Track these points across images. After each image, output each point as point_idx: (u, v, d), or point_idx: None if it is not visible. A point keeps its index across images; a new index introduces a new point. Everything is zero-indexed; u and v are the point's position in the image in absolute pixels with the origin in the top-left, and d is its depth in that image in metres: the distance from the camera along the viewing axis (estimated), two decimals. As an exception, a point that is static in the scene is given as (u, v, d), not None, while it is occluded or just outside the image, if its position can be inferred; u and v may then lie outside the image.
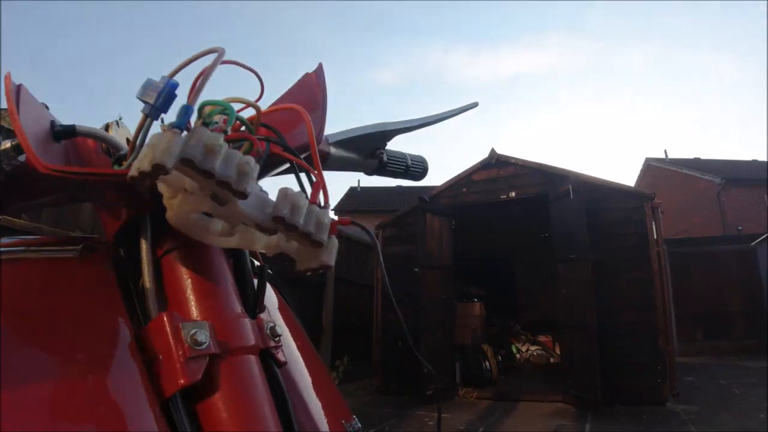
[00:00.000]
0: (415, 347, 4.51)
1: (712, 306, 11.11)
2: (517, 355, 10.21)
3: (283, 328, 0.75)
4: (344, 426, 0.69)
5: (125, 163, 0.58)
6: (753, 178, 18.15)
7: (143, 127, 0.57)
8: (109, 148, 0.67)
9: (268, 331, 0.59)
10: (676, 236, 15.11)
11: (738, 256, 11.41)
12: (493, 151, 7.35)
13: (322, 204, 0.55)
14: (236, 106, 0.58)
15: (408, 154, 1.07)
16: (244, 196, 0.46)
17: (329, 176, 0.72)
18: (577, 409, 5.84)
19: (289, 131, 0.67)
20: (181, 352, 0.49)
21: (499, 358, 8.56)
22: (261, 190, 0.51)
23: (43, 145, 0.55)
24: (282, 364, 0.61)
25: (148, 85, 0.53)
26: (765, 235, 11.40)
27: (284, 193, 0.50)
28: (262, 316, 0.62)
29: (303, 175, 0.61)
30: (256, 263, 0.79)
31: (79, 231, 4.82)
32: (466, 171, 7.61)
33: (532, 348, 10.40)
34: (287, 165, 0.70)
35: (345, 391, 7.62)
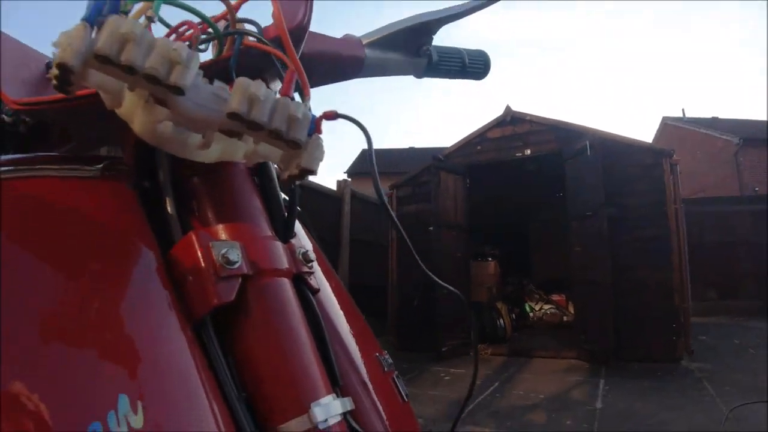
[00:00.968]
0: (430, 305, 4.56)
1: (726, 266, 11.04)
2: (531, 314, 10.25)
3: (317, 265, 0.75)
4: (378, 358, 0.70)
5: None
6: (771, 139, 17.76)
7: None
8: None
9: (300, 256, 0.58)
10: (692, 196, 14.93)
11: (754, 217, 11.25)
12: (508, 107, 7.22)
13: (299, 97, 0.50)
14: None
15: (464, 48, 0.91)
16: (179, 90, 0.40)
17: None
18: (591, 364, 5.89)
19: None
20: (212, 272, 0.47)
21: (513, 316, 8.62)
22: (211, 84, 0.44)
23: (22, 85, 0.53)
24: (315, 291, 0.60)
25: None
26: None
27: (240, 84, 0.43)
28: (294, 241, 0.60)
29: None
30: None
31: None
32: (480, 129, 7.50)
33: (546, 307, 10.43)
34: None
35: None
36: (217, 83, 0.45)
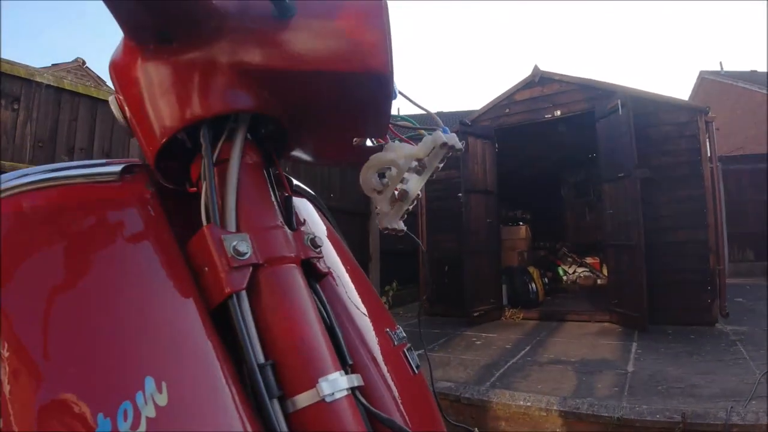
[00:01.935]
0: (461, 271, 4.61)
1: (765, 226, 10.73)
2: (564, 278, 10.22)
3: (326, 244, 0.78)
4: (388, 333, 0.72)
5: None
6: (813, 91, 17.01)
7: None
8: None
9: (308, 242, 0.61)
10: (731, 153, 14.48)
11: (795, 174, 10.87)
12: (536, 68, 7.05)
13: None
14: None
15: None
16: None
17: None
18: (624, 328, 5.86)
19: None
20: (225, 262, 0.51)
21: (546, 280, 8.60)
22: None
23: None
24: (323, 274, 0.63)
25: None
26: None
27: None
28: (303, 228, 0.63)
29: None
30: (295, 182, 0.81)
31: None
32: (507, 91, 7.34)
33: (579, 270, 10.38)
34: None
35: (395, 314, 7.83)
36: None
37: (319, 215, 0.86)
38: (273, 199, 0.61)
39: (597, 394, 3.56)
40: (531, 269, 8.03)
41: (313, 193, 0.87)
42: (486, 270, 6.91)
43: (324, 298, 0.61)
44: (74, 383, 0.44)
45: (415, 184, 0.68)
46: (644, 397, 3.43)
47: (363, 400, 0.55)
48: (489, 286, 6.98)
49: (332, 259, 0.74)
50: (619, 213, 6.06)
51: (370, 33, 0.54)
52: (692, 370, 4.02)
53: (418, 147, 0.66)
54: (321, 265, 0.62)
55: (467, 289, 6.59)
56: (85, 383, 0.44)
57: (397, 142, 0.70)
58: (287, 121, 0.63)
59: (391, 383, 0.64)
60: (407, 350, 0.73)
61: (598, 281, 9.62)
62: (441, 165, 0.70)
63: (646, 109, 6.05)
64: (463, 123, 7.06)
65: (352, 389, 0.54)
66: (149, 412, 0.43)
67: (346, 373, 0.55)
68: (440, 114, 24.02)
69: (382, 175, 0.70)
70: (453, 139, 0.67)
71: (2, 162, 3.55)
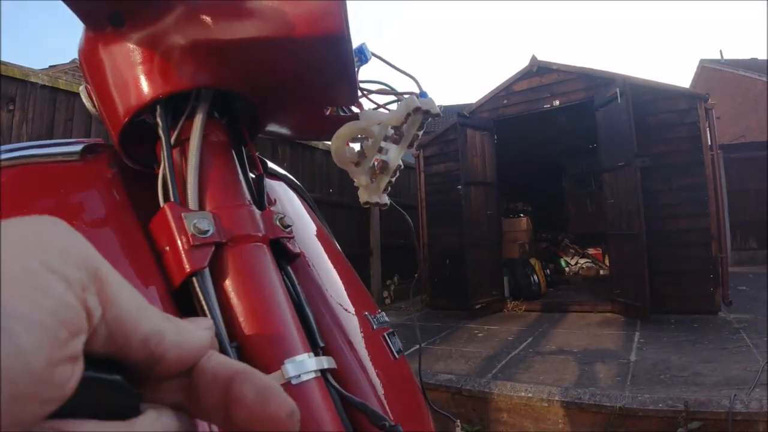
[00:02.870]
0: (462, 263, 4.61)
1: (767, 214, 10.68)
2: (566, 269, 10.20)
3: (303, 227, 0.76)
4: (367, 317, 0.70)
5: None
6: (815, 78, 16.90)
7: None
8: None
9: (277, 222, 0.59)
10: (732, 141, 14.42)
11: (798, 162, 10.80)
12: (533, 57, 6.99)
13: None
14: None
15: None
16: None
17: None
18: (626, 317, 5.84)
19: None
20: (185, 240, 0.49)
21: (548, 271, 8.58)
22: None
23: None
24: (295, 255, 0.61)
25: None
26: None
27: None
28: (273, 207, 0.61)
29: None
30: (271, 165, 0.79)
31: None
32: (505, 82, 7.29)
33: (582, 261, 10.36)
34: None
35: (396, 308, 7.85)
36: None
37: (300, 200, 0.83)
38: (240, 178, 0.59)
39: (599, 384, 3.55)
40: (533, 261, 8.01)
41: (292, 177, 0.85)
42: (487, 262, 6.89)
43: (295, 279, 0.58)
44: None
45: (395, 154, 0.66)
46: (647, 386, 3.41)
47: (334, 383, 0.53)
48: (490, 279, 6.97)
49: (308, 241, 0.72)
50: (619, 202, 6.03)
51: None
52: (695, 358, 4.00)
53: (391, 114, 0.64)
54: (292, 246, 0.60)
55: (469, 282, 6.57)
56: None
57: (371, 109, 0.67)
58: (252, 95, 0.61)
59: (369, 367, 0.62)
60: (388, 334, 0.71)
61: (601, 272, 9.60)
62: (420, 133, 0.68)
63: (646, 97, 6.01)
64: (461, 115, 7.01)
65: (323, 372, 0.52)
66: None
67: (317, 355, 0.53)
68: (440, 107, 24.05)
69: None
70: (429, 103, 0.64)
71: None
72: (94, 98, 0.60)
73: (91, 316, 0.22)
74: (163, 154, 0.55)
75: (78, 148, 0.57)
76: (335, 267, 0.74)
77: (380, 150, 0.64)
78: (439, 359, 4.48)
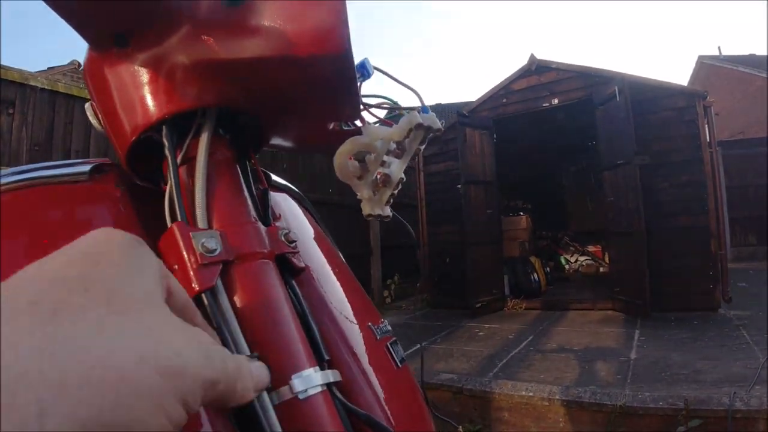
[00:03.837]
0: (462, 262, 4.62)
1: (767, 210, 10.69)
2: (566, 267, 10.22)
3: (307, 239, 0.77)
4: (371, 327, 0.71)
5: None
6: (813, 74, 16.88)
7: None
8: None
9: (282, 237, 0.60)
10: (731, 138, 14.42)
11: (796, 158, 10.80)
12: (532, 56, 6.99)
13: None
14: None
15: None
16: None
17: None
18: (626, 315, 5.86)
19: None
20: (193, 260, 0.50)
21: (548, 269, 8.60)
22: None
23: None
24: (300, 269, 0.62)
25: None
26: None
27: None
28: (278, 223, 0.62)
29: None
30: (275, 178, 0.80)
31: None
32: (504, 81, 7.29)
33: (582, 258, 10.38)
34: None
35: (397, 307, 7.86)
36: None
37: (303, 211, 0.84)
38: (246, 194, 0.60)
39: (600, 382, 3.56)
40: (533, 259, 8.03)
41: (295, 188, 0.86)
42: (487, 261, 6.91)
43: (300, 294, 0.59)
44: None
45: (397, 168, 0.67)
46: (648, 384, 3.42)
47: (339, 396, 0.54)
48: (491, 277, 6.99)
49: (313, 254, 0.73)
50: (619, 200, 6.04)
51: (325, 13, 0.53)
52: (696, 356, 4.01)
53: (393, 129, 0.65)
54: (297, 261, 0.61)
55: (469, 281, 6.59)
56: None
57: (373, 124, 0.68)
58: (256, 112, 0.62)
59: (373, 378, 0.63)
60: (391, 344, 0.72)
61: (601, 269, 9.63)
62: (422, 147, 0.69)
63: (645, 95, 6.02)
64: (460, 114, 7.02)
65: (328, 385, 0.53)
66: None
67: (322, 368, 0.54)
68: (438, 105, 23.96)
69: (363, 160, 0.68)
70: (431, 119, 0.65)
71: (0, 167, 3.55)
72: (100, 116, 0.61)
73: None
74: (170, 174, 0.55)
75: (86, 168, 0.58)
76: (338, 278, 0.75)
77: (382, 164, 0.65)
78: (440, 358, 4.49)
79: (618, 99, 5.81)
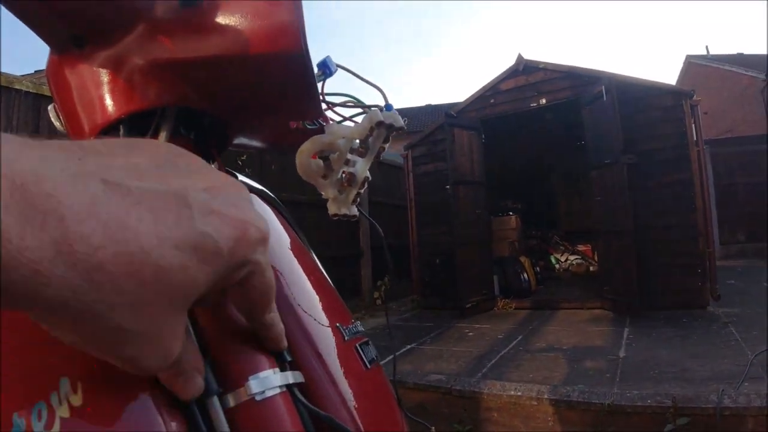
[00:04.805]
0: (452, 263, 4.61)
1: (755, 207, 10.77)
2: (557, 266, 10.24)
3: (274, 239, 0.75)
4: (340, 328, 0.70)
5: None
6: (800, 74, 17.00)
7: None
8: None
9: None
10: (719, 136, 14.52)
11: (783, 156, 10.87)
12: (520, 56, 7.01)
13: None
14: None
15: None
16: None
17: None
18: (616, 314, 5.88)
19: None
20: None
21: (537, 269, 8.62)
22: None
23: None
24: None
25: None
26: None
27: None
28: None
29: None
30: (243, 179, 0.79)
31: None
32: (492, 81, 7.30)
33: (571, 257, 10.41)
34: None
35: (388, 308, 7.84)
36: None
37: (275, 212, 0.83)
38: None
39: (589, 381, 3.56)
40: (522, 259, 8.04)
41: (266, 190, 0.85)
42: (477, 261, 6.91)
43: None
44: None
45: (361, 167, 0.66)
46: (636, 382, 3.43)
47: (301, 398, 0.53)
48: (480, 277, 6.99)
49: (281, 255, 0.72)
50: (607, 199, 6.07)
51: (280, 12, 0.52)
52: (684, 353, 4.03)
53: (354, 127, 0.64)
54: None
55: (459, 281, 6.59)
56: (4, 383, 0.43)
57: (336, 123, 0.68)
58: (216, 111, 0.61)
59: (340, 379, 0.62)
60: (361, 345, 0.71)
61: (591, 268, 9.65)
62: (386, 145, 0.68)
63: (632, 95, 6.04)
64: (448, 115, 7.03)
65: (289, 386, 0.52)
66: (63, 412, 0.41)
67: (283, 370, 0.52)
68: (428, 107, 23.98)
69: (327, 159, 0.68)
70: (392, 117, 0.64)
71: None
72: (61, 117, 0.60)
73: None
74: None
75: None
76: (309, 278, 0.74)
77: (347, 162, 0.65)
78: (429, 359, 4.48)
79: (605, 98, 5.83)
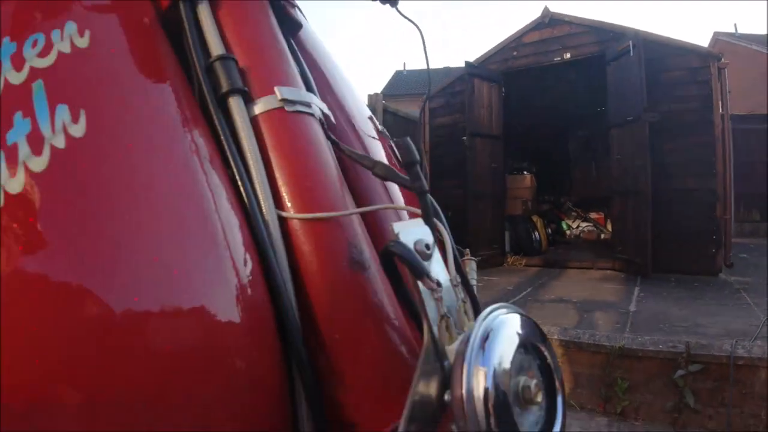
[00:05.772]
0: (464, 216, 4.53)
1: (772, 186, 10.53)
2: (567, 232, 10.14)
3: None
4: None
5: None
6: (826, 55, 16.55)
7: None
8: None
9: None
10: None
11: (805, 138, 10.60)
12: (546, 9, 6.78)
13: None
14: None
15: None
16: None
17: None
18: (627, 274, 5.81)
19: None
20: None
21: (549, 231, 8.53)
22: None
23: None
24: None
25: None
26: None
27: None
28: None
29: None
30: None
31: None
32: (516, 32, 7.09)
33: (583, 224, 10.30)
34: None
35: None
36: None
37: None
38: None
39: (599, 328, 3.52)
40: (534, 218, 7.96)
41: None
42: (489, 215, 6.84)
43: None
44: None
45: None
46: (647, 332, 3.38)
47: (332, 137, 0.46)
48: (492, 232, 6.94)
49: None
50: (626, 158, 5.93)
51: None
52: (696, 312, 3.97)
53: None
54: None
55: (470, 233, 6.50)
56: None
57: None
58: None
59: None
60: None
61: (602, 236, 9.55)
62: None
63: (658, 53, 5.81)
64: (469, 64, 6.84)
65: (320, 119, 0.44)
66: (59, 142, 0.38)
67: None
68: (447, 69, 23.59)
69: None
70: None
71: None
72: None
73: None
74: None
75: None
76: None
77: None
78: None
79: (631, 54, 5.63)
